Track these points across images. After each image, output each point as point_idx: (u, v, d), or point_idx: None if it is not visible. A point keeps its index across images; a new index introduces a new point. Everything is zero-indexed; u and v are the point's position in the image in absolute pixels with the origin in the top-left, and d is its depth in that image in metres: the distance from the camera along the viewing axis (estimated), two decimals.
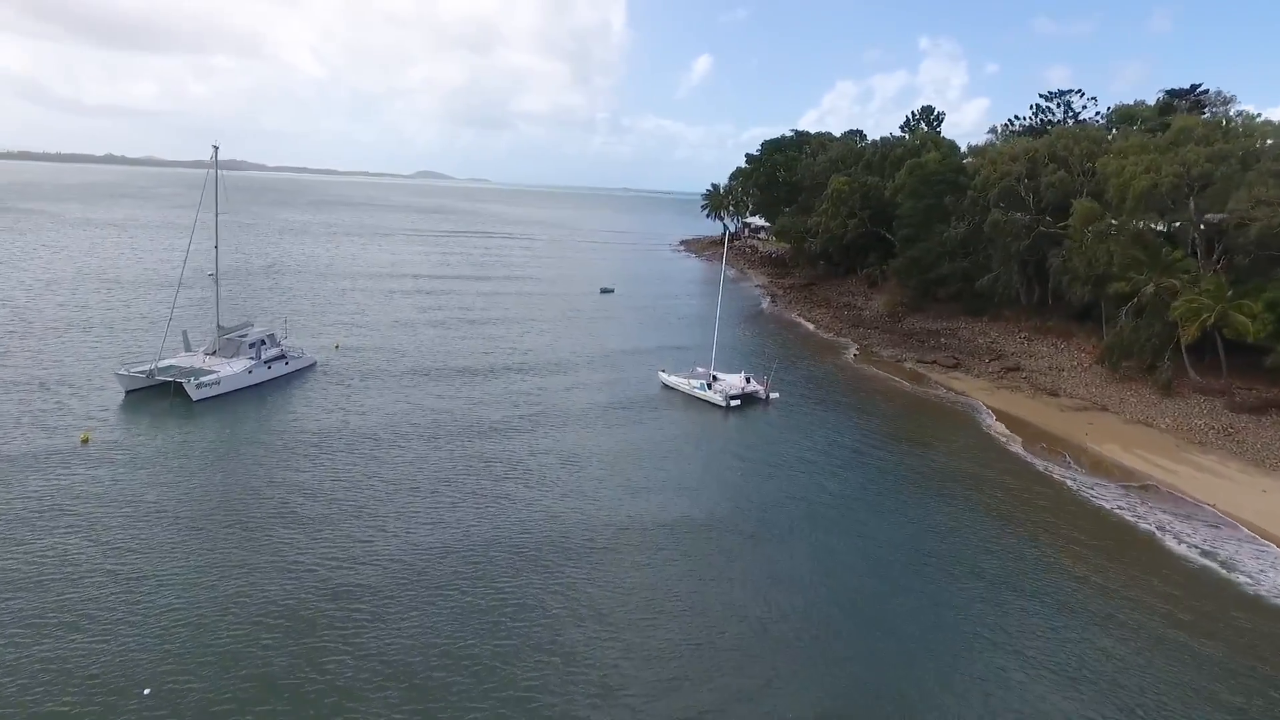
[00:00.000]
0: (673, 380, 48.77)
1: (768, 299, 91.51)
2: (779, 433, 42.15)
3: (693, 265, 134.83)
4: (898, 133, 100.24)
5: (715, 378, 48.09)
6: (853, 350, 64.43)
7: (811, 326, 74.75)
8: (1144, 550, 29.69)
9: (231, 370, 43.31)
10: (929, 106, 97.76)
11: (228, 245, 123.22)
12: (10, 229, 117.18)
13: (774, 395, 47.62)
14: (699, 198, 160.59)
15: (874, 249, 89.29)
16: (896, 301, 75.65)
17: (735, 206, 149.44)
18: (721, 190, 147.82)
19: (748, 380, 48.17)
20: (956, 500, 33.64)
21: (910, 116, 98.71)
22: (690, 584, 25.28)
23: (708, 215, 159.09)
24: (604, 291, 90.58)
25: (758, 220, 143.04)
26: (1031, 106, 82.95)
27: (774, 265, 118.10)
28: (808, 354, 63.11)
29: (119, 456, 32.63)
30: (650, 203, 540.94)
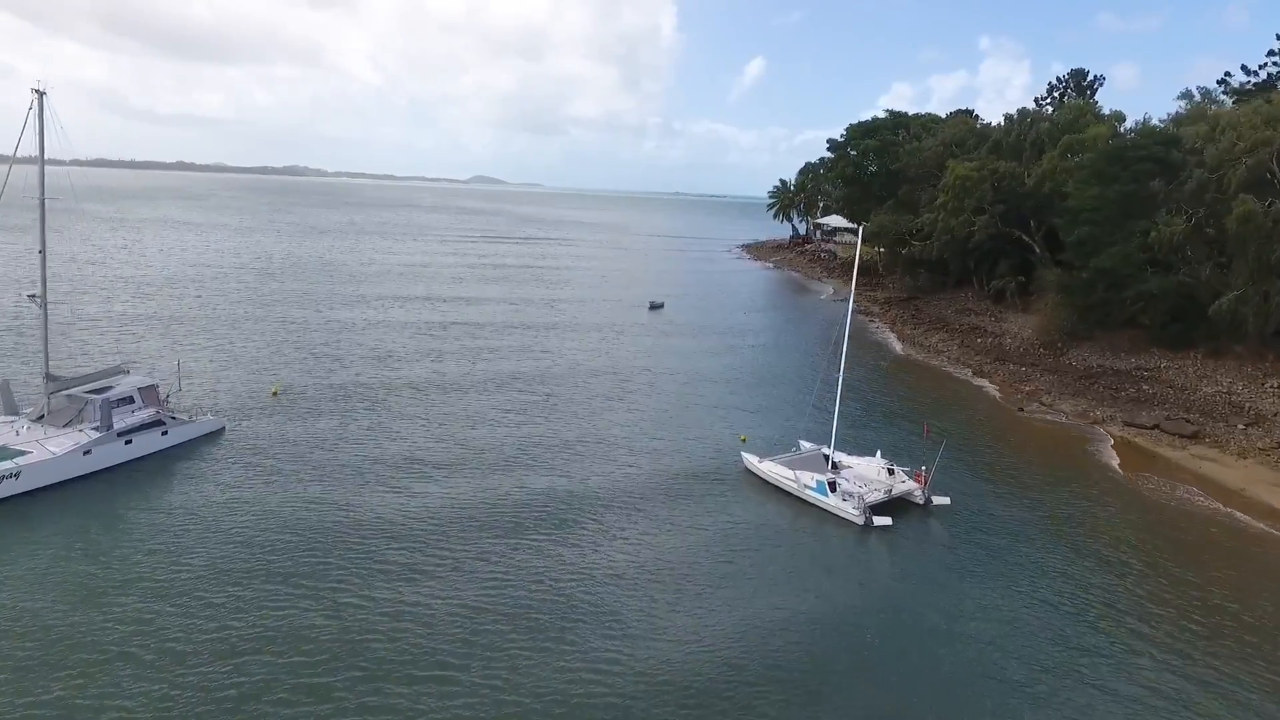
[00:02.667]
0: (765, 468, 29.94)
1: (890, 334, 67.97)
2: (975, 603, 22.72)
3: (759, 274, 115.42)
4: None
5: (836, 466, 29.34)
6: (1054, 405, 44.41)
7: (984, 383, 53.22)
8: None
9: (49, 452, 26.54)
10: (1081, 70, 75.82)
11: (228, 248, 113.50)
12: (24, 229, 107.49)
13: (939, 501, 28.57)
14: (751, 201, 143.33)
15: (1005, 255, 68.98)
16: (1055, 327, 55.33)
17: (806, 205, 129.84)
18: (792, 187, 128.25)
19: (890, 471, 29.21)
20: None
21: (1055, 83, 77.30)
22: None
23: (775, 216, 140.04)
24: (653, 308, 72.38)
25: (835, 220, 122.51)
26: (1270, 52, 61.09)
27: (858, 274, 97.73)
28: (960, 410, 43.53)
29: None
30: (702, 206, 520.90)
